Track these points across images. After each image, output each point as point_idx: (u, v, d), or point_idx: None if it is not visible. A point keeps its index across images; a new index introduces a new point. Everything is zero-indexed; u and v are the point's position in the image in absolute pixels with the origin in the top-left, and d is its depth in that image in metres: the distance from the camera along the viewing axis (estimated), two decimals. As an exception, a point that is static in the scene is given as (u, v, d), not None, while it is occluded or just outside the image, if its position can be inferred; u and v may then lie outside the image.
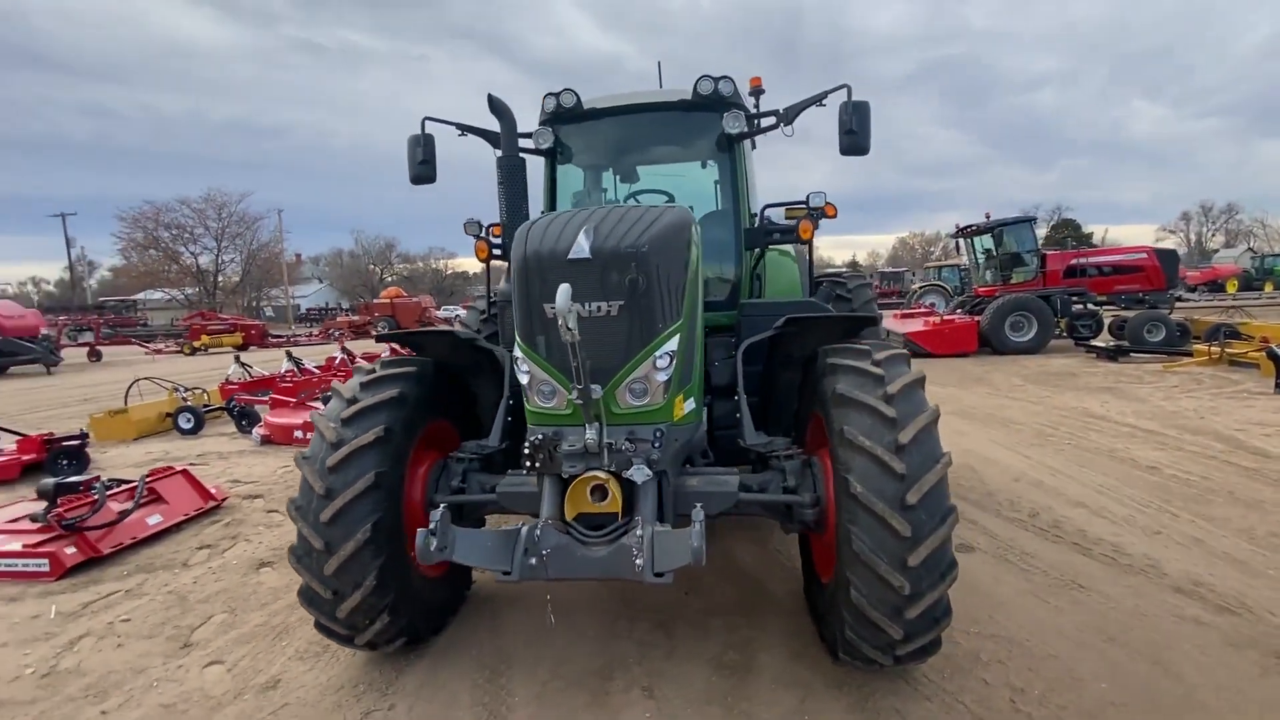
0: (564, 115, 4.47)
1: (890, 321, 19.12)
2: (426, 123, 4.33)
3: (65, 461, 7.08)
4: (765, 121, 4.42)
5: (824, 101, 4.22)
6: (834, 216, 5.73)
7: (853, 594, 2.61)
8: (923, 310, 20.66)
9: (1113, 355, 13.55)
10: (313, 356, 14.67)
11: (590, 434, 2.69)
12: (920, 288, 33.39)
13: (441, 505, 2.58)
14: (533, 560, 2.61)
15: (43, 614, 3.90)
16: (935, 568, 2.53)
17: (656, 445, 2.76)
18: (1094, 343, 14.75)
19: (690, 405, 3.05)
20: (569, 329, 2.34)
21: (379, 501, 2.91)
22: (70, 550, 4.50)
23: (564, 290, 2.31)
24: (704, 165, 5.28)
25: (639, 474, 2.67)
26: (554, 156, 4.66)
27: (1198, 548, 4.26)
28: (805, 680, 2.97)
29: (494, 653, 3.30)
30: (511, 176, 4.24)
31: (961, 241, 19.46)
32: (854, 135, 3.97)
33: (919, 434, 2.61)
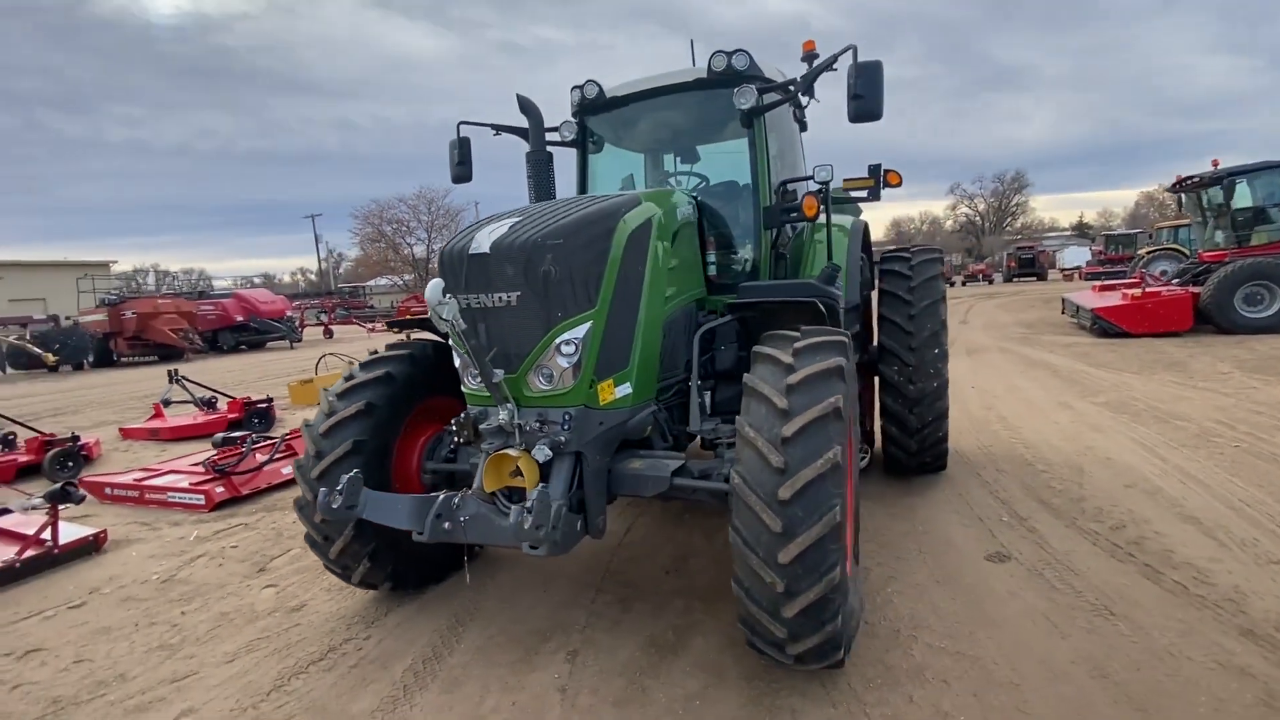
0: (589, 106, 4.65)
1: (1085, 295, 16.42)
2: (461, 126, 4.76)
3: (256, 419, 8.86)
4: (776, 96, 4.21)
5: (835, 66, 3.95)
6: (898, 185, 5.28)
7: (734, 586, 2.57)
8: (1126, 281, 17.38)
9: (1388, 336, 10.51)
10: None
11: (504, 414, 2.92)
12: (1149, 252, 28.01)
13: (355, 470, 2.98)
14: (446, 524, 2.92)
15: (186, 536, 5.08)
16: (813, 567, 2.40)
17: (565, 427, 2.90)
18: (1365, 320, 11.49)
19: (624, 390, 3.13)
20: (444, 319, 2.58)
21: (358, 464, 3.39)
22: (219, 490, 5.75)
23: (433, 285, 2.55)
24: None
25: (540, 453, 2.85)
26: (583, 147, 4.86)
27: (1318, 585, 3.37)
28: (722, 668, 2.95)
29: (468, 606, 3.69)
30: (538, 170, 4.53)
31: (1184, 197, 16.05)
32: (862, 99, 3.66)
33: (806, 427, 2.47)
